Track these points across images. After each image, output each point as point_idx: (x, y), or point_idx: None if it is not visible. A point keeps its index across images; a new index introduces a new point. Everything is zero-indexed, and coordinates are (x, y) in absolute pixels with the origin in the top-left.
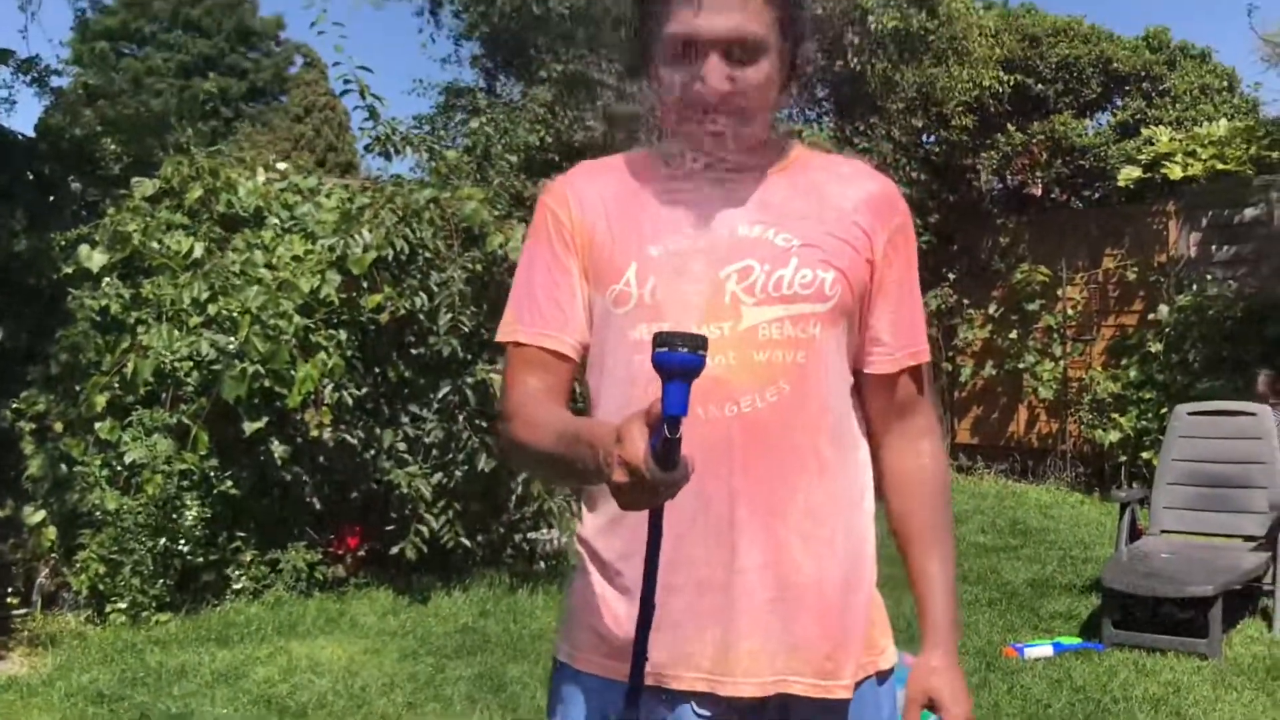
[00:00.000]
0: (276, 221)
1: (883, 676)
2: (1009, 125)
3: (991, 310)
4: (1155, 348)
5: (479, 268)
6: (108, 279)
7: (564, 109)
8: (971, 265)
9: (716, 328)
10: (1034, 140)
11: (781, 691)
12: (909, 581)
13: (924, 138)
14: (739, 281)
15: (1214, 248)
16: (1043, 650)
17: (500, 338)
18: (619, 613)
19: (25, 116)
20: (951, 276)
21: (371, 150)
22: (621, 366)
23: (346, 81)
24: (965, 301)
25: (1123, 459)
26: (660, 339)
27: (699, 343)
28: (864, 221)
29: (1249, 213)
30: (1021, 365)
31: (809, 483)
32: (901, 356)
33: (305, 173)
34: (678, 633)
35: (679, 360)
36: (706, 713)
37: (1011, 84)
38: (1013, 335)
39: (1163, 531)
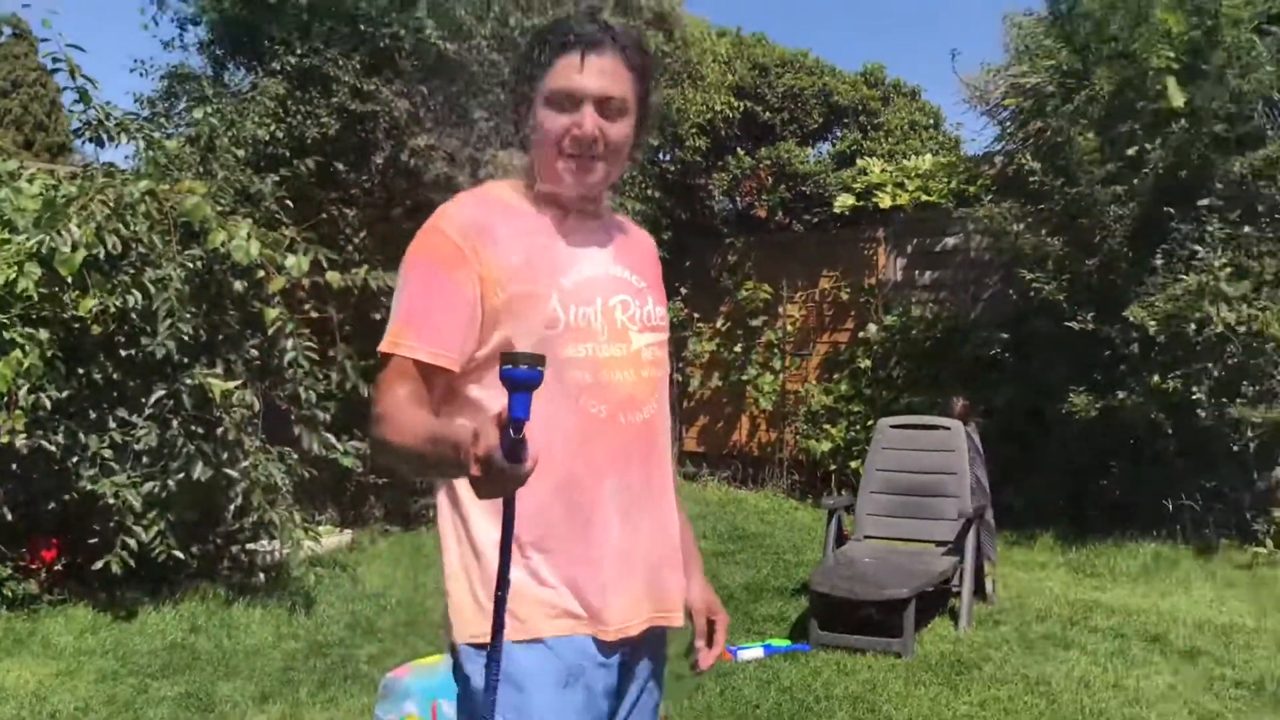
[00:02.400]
0: None
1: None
2: (739, 149)
3: (719, 324)
4: (864, 364)
5: (199, 265)
6: None
7: (296, 103)
8: (702, 281)
9: (619, 347)
10: (761, 165)
11: (661, 625)
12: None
13: (660, 156)
14: (622, 312)
15: (917, 273)
16: (754, 652)
17: (389, 348)
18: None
19: None
20: (683, 291)
21: (82, 135)
22: (555, 380)
23: (55, 60)
24: (696, 315)
25: (833, 468)
26: (506, 358)
27: (538, 360)
28: (650, 270)
29: (949, 241)
30: (745, 377)
31: (667, 470)
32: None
33: (5, 154)
34: (613, 591)
35: (523, 375)
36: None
37: (741, 110)
38: (737, 349)
39: (866, 537)
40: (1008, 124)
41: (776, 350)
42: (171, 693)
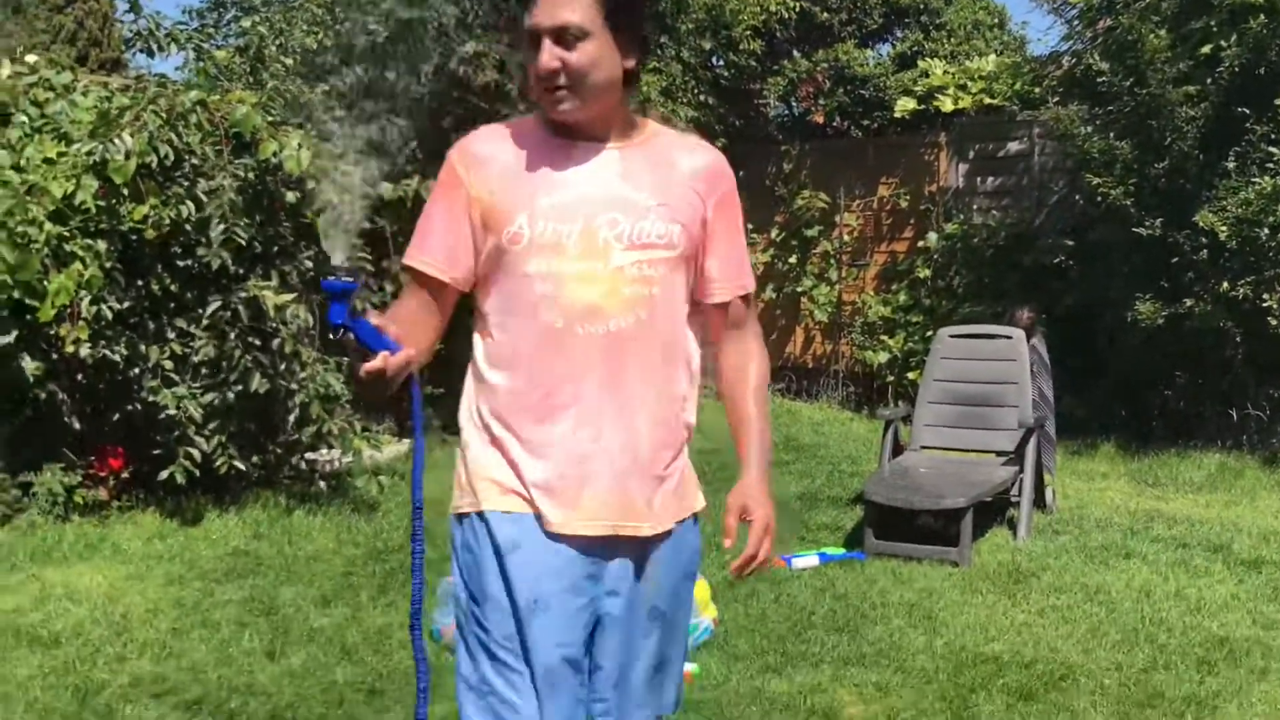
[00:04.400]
0: (25, 120)
1: (695, 516)
2: (795, 52)
3: (774, 234)
4: (923, 273)
5: (251, 176)
6: None
7: (345, 11)
8: (755, 190)
9: (591, 264)
10: (818, 68)
11: (615, 534)
12: (733, 432)
13: (713, 61)
14: (609, 229)
15: (980, 179)
16: (809, 560)
17: (403, 261)
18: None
19: None
20: None
21: (133, 46)
22: (519, 293)
23: None
24: (750, 225)
25: (890, 379)
26: (326, 270)
27: (354, 273)
28: (700, 188)
29: (1012, 146)
30: (800, 289)
31: (650, 384)
32: (731, 289)
33: (59, 68)
34: (562, 491)
35: (331, 285)
36: (575, 551)
37: (798, 10)
38: (792, 259)
39: (923, 447)
40: (1075, 22)
41: (833, 260)
42: (236, 596)
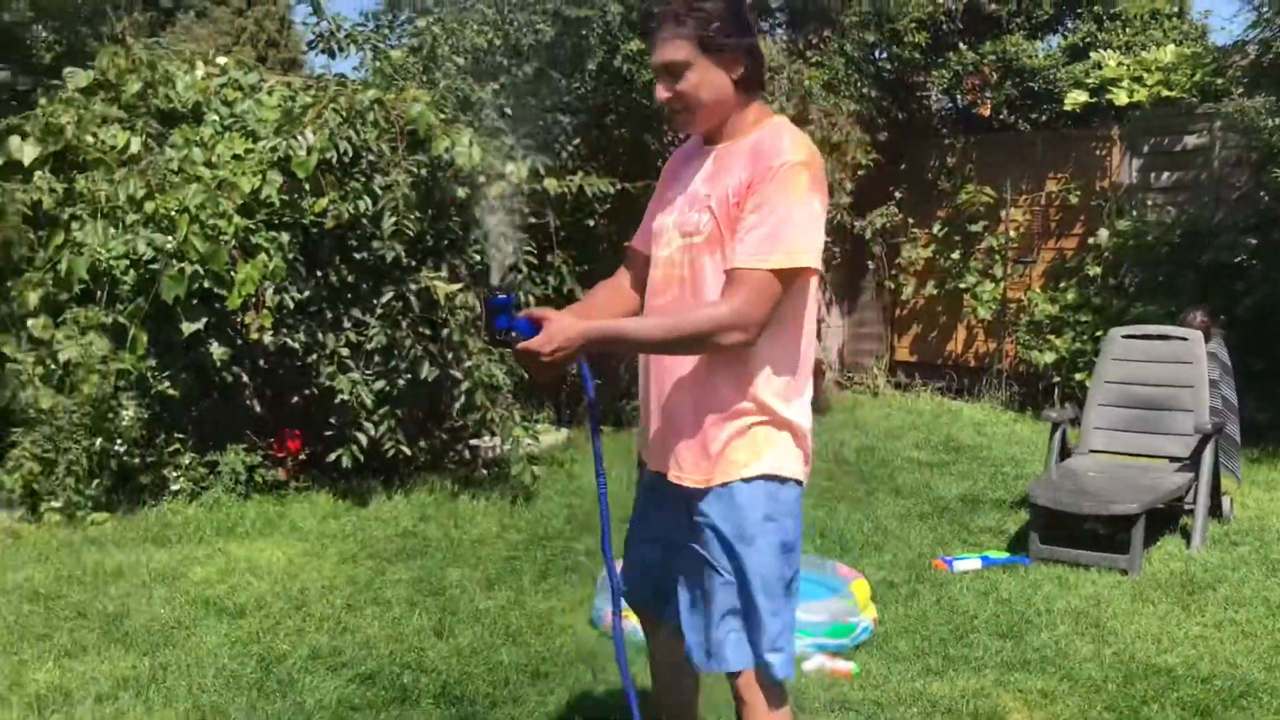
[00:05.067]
0: (216, 118)
1: (746, 481)
2: (961, 44)
3: (935, 230)
4: (1093, 271)
5: (423, 172)
6: (39, 172)
7: (514, 11)
8: (918, 184)
9: (660, 251)
10: (986, 60)
11: (674, 481)
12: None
13: (876, 53)
14: (675, 221)
15: (1154, 174)
16: (971, 563)
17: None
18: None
19: None
20: (898, 195)
21: (315, 47)
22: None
23: None
24: (910, 220)
25: (1056, 380)
26: (489, 290)
27: (508, 290)
28: (744, 173)
29: (1190, 141)
30: (962, 285)
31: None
32: (733, 260)
33: (247, 68)
34: (643, 434)
35: (493, 302)
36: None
37: (965, 2)
38: (955, 255)
39: (1091, 451)
40: (1264, 8)
41: (998, 257)
42: (405, 576)
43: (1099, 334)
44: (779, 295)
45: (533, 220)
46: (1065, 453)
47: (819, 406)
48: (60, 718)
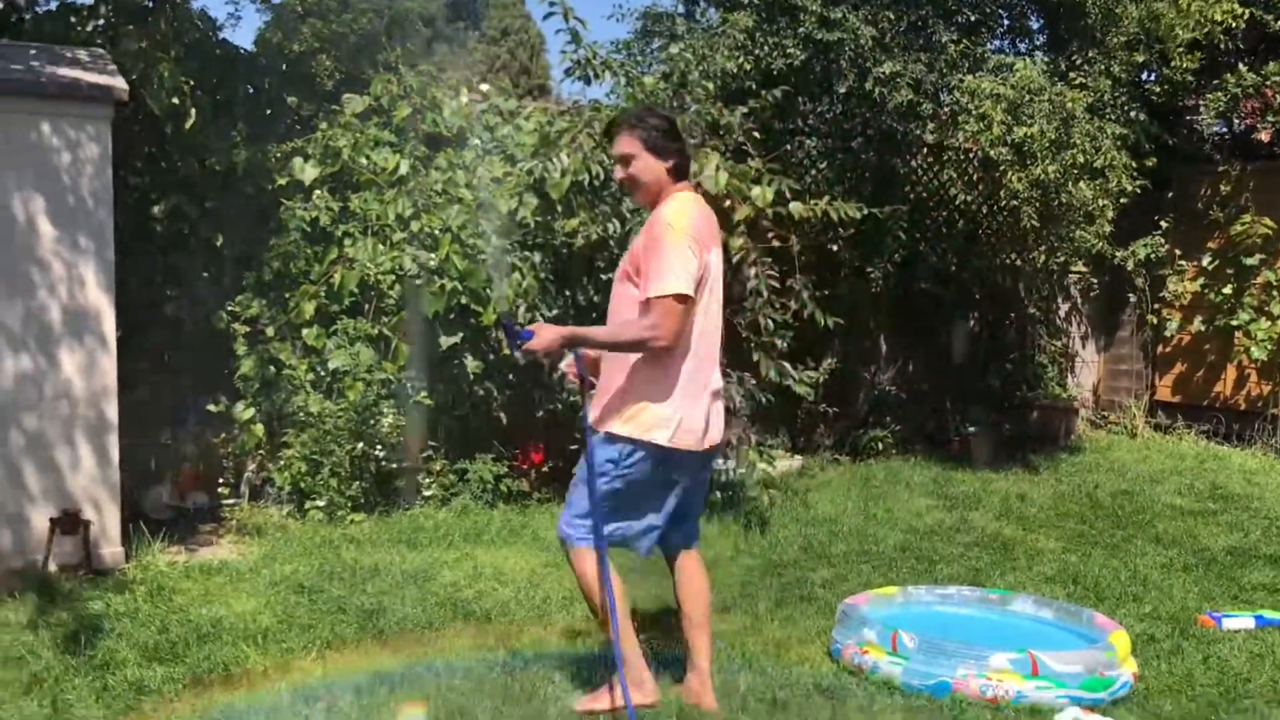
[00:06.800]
0: (478, 143)
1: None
2: (1240, 64)
3: (1205, 262)
4: None
5: None
6: (318, 192)
7: (764, 35)
8: (1186, 213)
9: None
10: (1268, 82)
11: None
12: None
13: (1144, 76)
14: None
15: None
16: (1243, 622)
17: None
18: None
19: (247, 32)
20: (1163, 225)
21: (571, 74)
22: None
23: (551, 3)
24: (1177, 252)
25: None
26: (501, 317)
27: (508, 317)
28: (640, 239)
29: None
30: (1234, 322)
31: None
32: (642, 295)
33: (507, 95)
34: None
35: (509, 323)
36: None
37: (1246, 18)
38: (1227, 290)
39: None
40: None
41: (1275, 293)
42: (638, 593)
43: None
44: (679, 312)
45: (776, 244)
46: None
47: (1069, 446)
48: (323, 707)
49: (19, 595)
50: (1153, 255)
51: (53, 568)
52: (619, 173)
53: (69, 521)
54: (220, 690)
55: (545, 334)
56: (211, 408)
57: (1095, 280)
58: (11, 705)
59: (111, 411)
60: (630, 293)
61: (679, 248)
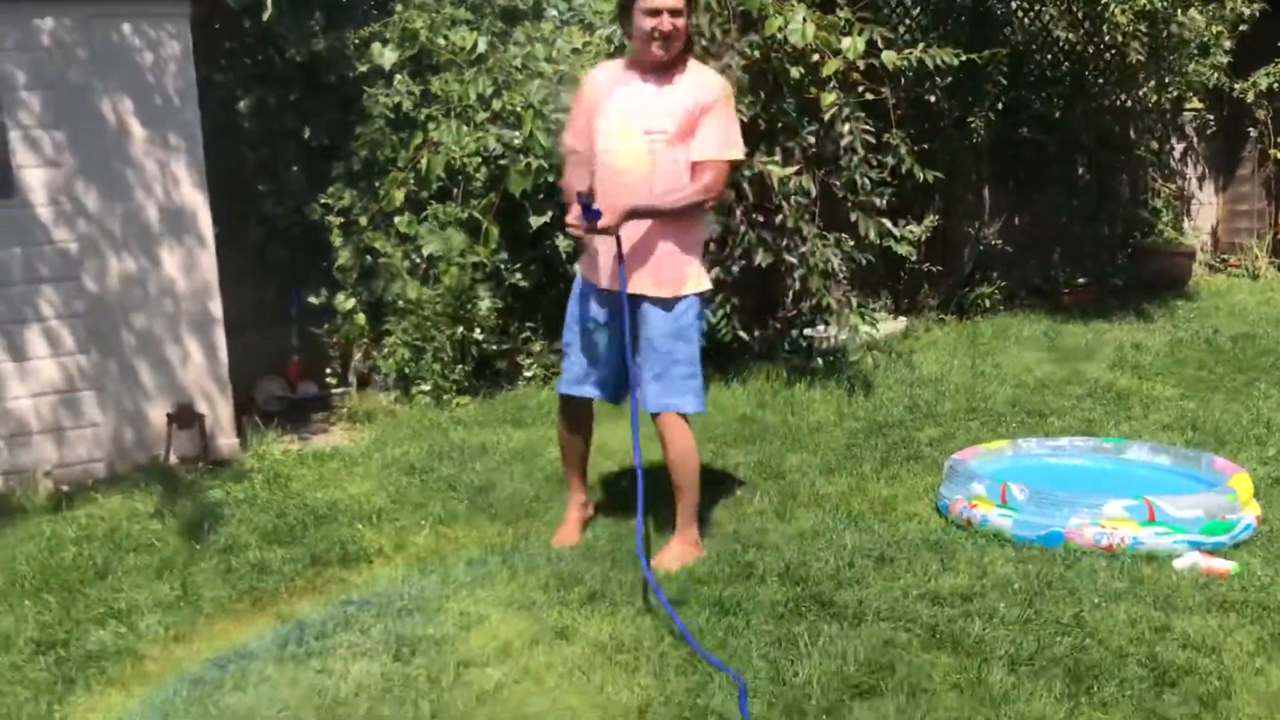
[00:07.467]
0: (555, 13)
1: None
2: None
3: None
4: None
5: (757, 54)
6: (399, 76)
7: None
8: None
9: (624, 141)
10: None
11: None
12: None
13: None
14: (635, 123)
15: None
16: None
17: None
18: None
19: None
20: None
21: None
22: (596, 155)
23: None
24: None
25: None
26: (580, 196)
27: (590, 195)
28: (691, 101)
29: None
30: None
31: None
32: (697, 155)
33: None
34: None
35: (584, 201)
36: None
37: None
38: None
39: None
40: None
41: None
42: (745, 460)
43: None
44: (729, 174)
45: (870, 97)
46: None
47: (1186, 291)
48: (437, 577)
49: (144, 487)
50: (1276, 84)
51: (173, 460)
52: (667, 23)
53: (184, 415)
54: (338, 568)
55: (613, 208)
56: (313, 300)
57: (1212, 116)
58: (146, 589)
59: (215, 307)
60: (680, 156)
61: (734, 115)
